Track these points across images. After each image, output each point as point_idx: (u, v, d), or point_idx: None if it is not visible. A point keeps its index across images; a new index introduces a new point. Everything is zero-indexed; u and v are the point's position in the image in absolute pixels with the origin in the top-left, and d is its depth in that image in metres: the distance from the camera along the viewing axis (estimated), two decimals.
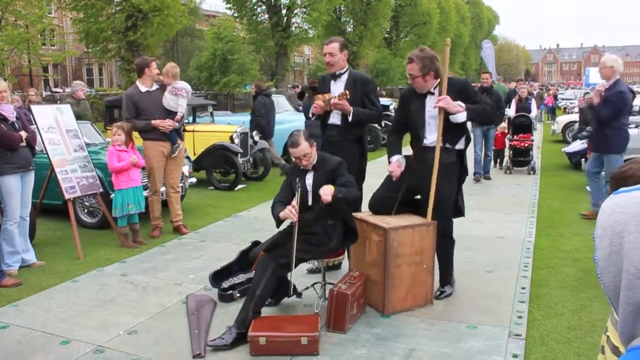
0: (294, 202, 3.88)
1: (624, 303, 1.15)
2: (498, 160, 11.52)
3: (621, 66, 6.37)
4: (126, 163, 5.95)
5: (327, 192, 3.73)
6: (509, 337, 3.73)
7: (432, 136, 4.24)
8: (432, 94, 4.21)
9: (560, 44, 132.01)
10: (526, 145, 10.76)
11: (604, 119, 6.36)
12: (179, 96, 6.37)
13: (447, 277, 4.47)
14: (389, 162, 4.42)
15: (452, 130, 4.15)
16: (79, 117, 8.87)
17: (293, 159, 4.11)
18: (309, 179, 4.08)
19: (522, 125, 10.91)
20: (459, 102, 4.07)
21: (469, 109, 4.08)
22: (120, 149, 5.99)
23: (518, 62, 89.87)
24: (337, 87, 4.76)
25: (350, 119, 4.65)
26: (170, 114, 6.38)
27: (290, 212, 3.83)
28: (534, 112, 11.37)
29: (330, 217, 3.95)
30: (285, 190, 4.18)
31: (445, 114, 4.08)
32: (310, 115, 4.94)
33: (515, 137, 10.82)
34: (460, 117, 4.08)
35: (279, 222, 4.05)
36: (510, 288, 4.64)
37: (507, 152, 11.22)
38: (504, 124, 11.34)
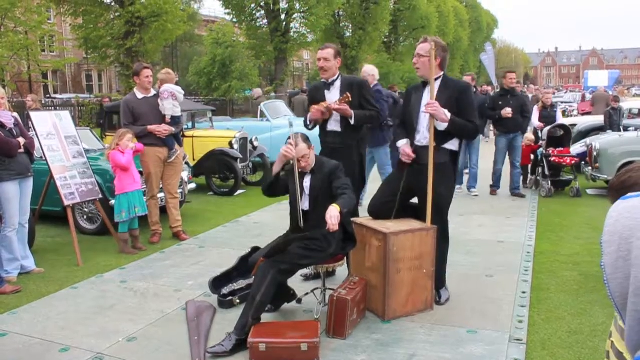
0: (290, 140, 3.94)
1: (632, 310, 1.12)
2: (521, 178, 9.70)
3: (377, 74, 7.61)
4: (129, 154, 5.96)
5: (334, 221, 3.60)
6: (510, 342, 3.72)
7: (423, 130, 4.29)
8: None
9: (559, 47, 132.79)
10: (569, 162, 8.95)
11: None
12: (163, 99, 6.38)
13: (442, 279, 4.47)
14: (398, 149, 4.44)
15: (440, 130, 4.19)
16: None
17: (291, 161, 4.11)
18: (307, 182, 4.08)
19: (558, 137, 9.22)
20: (445, 111, 4.11)
21: (451, 122, 4.13)
22: (121, 150, 5.99)
23: (517, 65, 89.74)
24: (332, 95, 4.75)
25: (352, 122, 4.65)
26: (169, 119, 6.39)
27: (287, 149, 3.91)
28: (559, 122, 9.71)
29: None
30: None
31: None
32: (308, 123, 4.92)
33: (551, 151, 9.06)
34: (441, 125, 4.15)
35: (271, 182, 4.17)
36: (511, 292, 4.63)
37: (531, 169, 9.71)
38: (531, 136, 9.65)
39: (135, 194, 6.02)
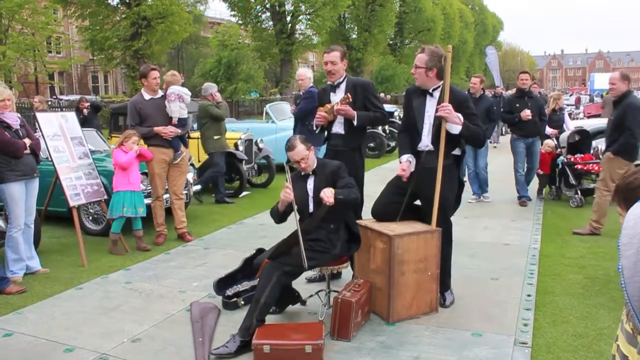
0: (287, 183, 3.91)
1: None
2: (543, 189, 8.99)
3: (312, 76, 7.97)
4: (131, 155, 5.99)
5: (328, 194, 3.71)
6: (515, 345, 3.70)
7: (425, 138, 4.26)
8: (432, 95, 4.23)
9: (564, 49, 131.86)
10: (598, 169, 7.91)
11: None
12: (170, 101, 6.38)
13: (446, 282, 4.45)
14: (400, 162, 4.42)
15: (454, 133, 4.15)
16: (220, 119, 8.59)
17: (292, 164, 4.11)
18: (310, 184, 4.08)
19: (574, 143, 8.61)
20: (459, 115, 4.08)
21: (465, 125, 4.09)
22: (125, 150, 6.02)
23: (523, 68, 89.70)
24: (338, 97, 4.74)
25: (355, 123, 4.63)
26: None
27: (285, 193, 3.88)
28: (568, 126, 9.36)
29: (332, 221, 3.93)
30: None
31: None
32: (314, 128, 4.93)
33: (572, 158, 8.51)
34: (455, 128, 4.10)
35: (279, 216, 4.10)
36: (516, 295, 4.61)
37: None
38: (552, 142, 8.77)
39: (127, 194, 6.02)
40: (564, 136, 8.86)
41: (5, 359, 3.63)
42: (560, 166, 8.62)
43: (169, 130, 6.30)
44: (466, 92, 4.66)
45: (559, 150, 8.79)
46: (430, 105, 4.24)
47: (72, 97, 32.26)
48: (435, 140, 4.18)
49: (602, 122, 13.17)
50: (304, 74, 7.87)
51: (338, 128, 4.77)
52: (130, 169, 6.05)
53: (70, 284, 5.10)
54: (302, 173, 4.10)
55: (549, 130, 8.92)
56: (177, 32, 24.91)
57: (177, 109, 6.40)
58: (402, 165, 4.33)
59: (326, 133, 4.93)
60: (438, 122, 4.15)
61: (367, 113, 4.70)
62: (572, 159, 8.53)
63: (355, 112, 4.60)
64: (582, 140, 8.75)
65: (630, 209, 1.28)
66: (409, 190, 4.31)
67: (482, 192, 8.75)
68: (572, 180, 8.38)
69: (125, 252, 6.04)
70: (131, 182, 6.05)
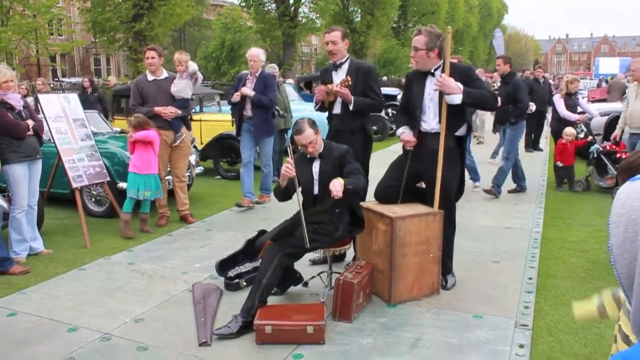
0: (289, 159, 3.92)
1: (638, 291, 1.12)
2: (565, 180, 8.32)
3: (264, 58, 7.13)
4: (129, 143, 6.05)
5: (337, 187, 3.68)
6: (516, 327, 3.72)
7: (430, 120, 4.24)
8: (433, 75, 4.18)
9: (569, 33, 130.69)
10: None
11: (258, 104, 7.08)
12: (184, 77, 6.32)
13: (448, 264, 4.46)
14: (399, 136, 4.43)
15: (450, 117, 4.11)
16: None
17: (299, 147, 4.10)
18: (316, 167, 4.07)
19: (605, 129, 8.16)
20: (459, 84, 4.00)
21: (465, 92, 3.99)
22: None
23: (527, 52, 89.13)
24: (339, 77, 4.75)
25: (350, 107, 4.64)
26: (175, 101, 6.35)
27: (286, 168, 3.87)
28: (590, 111, 8.96)
29: (336, 206, 3.93)
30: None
31: (441, 94, 4.07)
32: (314, 105, 4.94)
33: (609, 146, 7.94)
34: (456, 98, 3.99)
35: (282, 193, 4.13)
36: (517, 278, 4.63)
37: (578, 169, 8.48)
38: (572, 130, 8.21)
39: (131, 176, 6.02)
40: (597, 122, 8.29)
41: (9, 337, 3.66)
42: (595, 154, 8.04)
43: (169, 111, 6.27)
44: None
45: (590, 137, 8.23)
46: (432, 84, 4.20)
47: (75, 79, 32.19)
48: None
49: (607, 107, 13.13)
50: (257, 56, 6.96)
51: (337, 109, 4.79)
52: (135, 152, 6.02)
53: (73, 264, 5.13)
54: (308, 155, 4.09)
55: (574, 116, 8.42)
56: (179, 14, 24.77)
57: (185, 86, 6.34)
58: (403, 137, 4.32)
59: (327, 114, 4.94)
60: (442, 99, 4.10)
61: (363, 99, 4.69)
62: (609, 147, 7.94)
63: (352, 97, 4.60)
64: (608, 127, 8.23)
65: (620, 188, 1.29)
66: (410, 171, 4.30)
67: (473, 180, 8.10)
68: (613, 170, 7.75)
69: (133, 235, 6.04)
70: (134, 164, 6.02)
